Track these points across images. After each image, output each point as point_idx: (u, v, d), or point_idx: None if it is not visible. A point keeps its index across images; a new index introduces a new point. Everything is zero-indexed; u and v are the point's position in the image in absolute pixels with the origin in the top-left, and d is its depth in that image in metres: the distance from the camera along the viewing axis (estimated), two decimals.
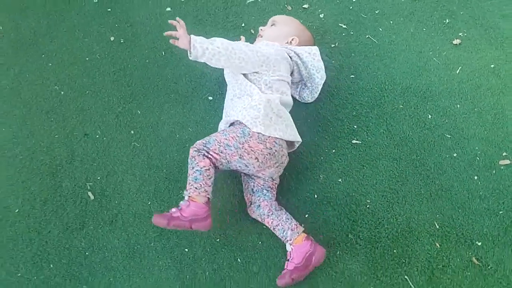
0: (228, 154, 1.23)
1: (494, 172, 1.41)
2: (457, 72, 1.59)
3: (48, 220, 1.31)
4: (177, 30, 1.26)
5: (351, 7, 1.73)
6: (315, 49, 1.46)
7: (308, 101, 1.50)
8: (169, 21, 1.28)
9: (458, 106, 1.53)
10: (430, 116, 1.51)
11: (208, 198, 1.21)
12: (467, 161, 1.43)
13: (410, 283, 1.25)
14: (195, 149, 1.24)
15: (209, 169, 1.22)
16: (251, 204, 1.31)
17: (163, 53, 1.59)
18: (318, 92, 1.48)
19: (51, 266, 1.25)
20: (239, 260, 1.28)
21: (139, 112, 1.48)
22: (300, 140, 1.33)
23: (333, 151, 1.44)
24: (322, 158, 1.43)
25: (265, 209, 1.28)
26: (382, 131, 1.48)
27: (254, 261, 1.28)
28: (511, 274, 1.26)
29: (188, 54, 1.26)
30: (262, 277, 1.26)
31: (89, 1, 1.70)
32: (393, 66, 1.59)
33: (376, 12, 1.72)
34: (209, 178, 1.22)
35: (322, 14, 1.70)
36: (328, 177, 1.40)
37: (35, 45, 1.60)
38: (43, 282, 1.22)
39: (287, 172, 1.37)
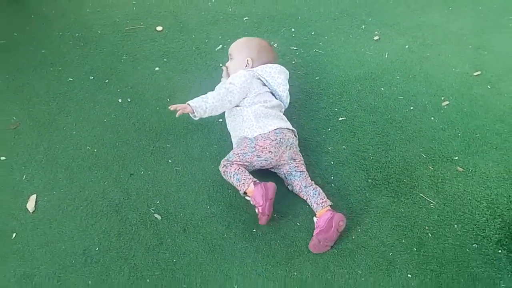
0: (248, 158, 1.54)
1: (442, 111, 1.91)
2: (386, 56, 2.13)
3: (129, 247, 1.45)
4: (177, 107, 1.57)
5: (293, 35, 2.23)
6: (269, 67, 1.74)
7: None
8: (169, 107, 1.59)
9: (398, 77, 2.04)
10: (383, 89, 1.99)
11: (254, 181, 1.48)
12: (421, 109, 1.91)
13: (426, 198, 1.62)
14: (222, 165, 1.55)
15: (240, 168, 1.52)
16: (288, 185, 1.62)
17: (168, 99, 1.90)
18: (287, 102, 1.77)
19: (148, 280, 1.39)
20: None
21: (169, 146, 1.74)
22: (292, 128, 1.65)
23: (328, 129, 1.83)
24: (324, 135, 1.80)
25: (296, 187, 1.59)
26: (356, 107, 1.91)
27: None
28: (485, 173, 1.69)
29: (192, 116, 1.59)
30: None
31: (87, 79, 1.97)
32: (341, 64, 2.09)
33: (312, 33, 2.24)
34: (245, 172, 1.51)
35: (276, 44, 2.17)
36: (335, 147, 1.76)
37: (53, 123, 1.80)
38: None
39: (304, 153, 1.71)
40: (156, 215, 1.53)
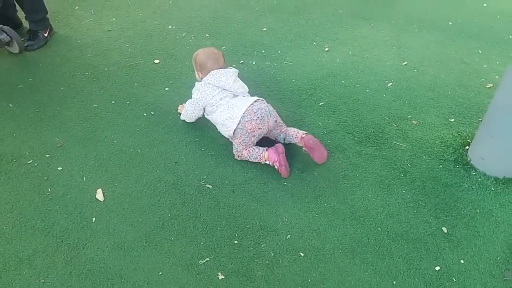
0: (248, 141, 1.97)
1: (389, 90, 2.56)
2: (338, 60, 2.79)
3: (195, 210, 1.80)
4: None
5: (265, 55, 2.81)
6: (211, 75, 2.05)
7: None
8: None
9: (351, 73, 2.68)
10: (343, 81, 2.61)
11: (266, 149, 1.96)
12: (374, 90, 2.54)
13: (398, 143, 2.19)
14: (236, 156, 2.01)
15: (249, 149, 1.98)
16: (284, 141, 2.08)
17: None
18: (244, 91, 2.10)
19: (218, 228, 1.74)
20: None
21: (198, 139, 2.14)
22: (259, 98, 2.03)
23: (314, 111, 2.37)
24: (313, 115, 2.33)
25: (288, 138, 2.07)
26: (328, 95, 2.49)
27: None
28: (432, 122, 2.32)
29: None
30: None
31: (109, 103, 2.33)
32: (307, 69, 2.68)
33: (278, 51, 2.84)
34: (255, 149, 1.99)
35: (254, 62, 2.73)
36: (323, 122, 2.30)
37: (93, 137, 2.11)
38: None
39: (303, 129, 2.22)
40: (207, 185, 1.91)
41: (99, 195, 1.83)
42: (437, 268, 1.62)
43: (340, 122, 2.27)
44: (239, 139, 1.97)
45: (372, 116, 2.31)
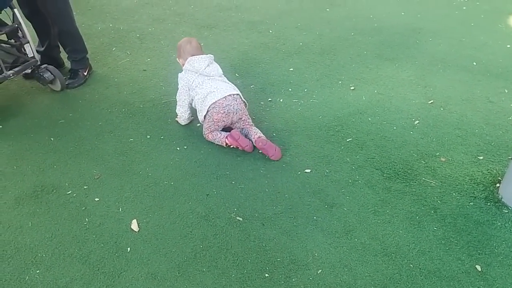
0: (213, 128, 2.33)
1: (416, 127, 2.59)
2: (363, 98, 2.85)
3: (226, 242, 1.83)
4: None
5: (292, 93, 2.91)
6: (187, 61, 2.40)
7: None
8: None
9: (377, 110, 2.74)
10: (370, 119, 2.66)
11: (225, 136, 2.31)
12: (401, 128, 2.58)
13: (428, 180, 2.20)
14: (205, 136, 2.36)
15: (213, 134, 2.34)
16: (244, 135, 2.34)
17: (215, 144, 2.40)
18: (219, 72, 2.48)
19: (249, 260, 1.76)
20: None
21: (228, 172, 2.20)
22: (237, 92, 2.36)
23: (342, 147, 2.41)
24: (340, 151, 2.37)
25: (244, 131, 2.35)
26: (355, 132, 2.53)
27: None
28: (461, 160, 2.33)
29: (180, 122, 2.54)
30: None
31: (144, 138, 2.43)
32: (334, 107, 2.75)
33: (305, 90, 2.93)
34: (218, 133, 2.34)
35: (282, 99, 2.82)
36: (351, 157, 2.33)
37: (129, 170, 2.20)
38: None
39: (330, 164, 2.26)
40: (238, 218, 1.95)
41: (134, 226, 1.89)
42: None
43: (368, 158, 2.30)
44: (207, 124, 2.33)
45: (400, 153, 2.34)
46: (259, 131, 2.36)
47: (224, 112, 2.29)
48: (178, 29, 3.90)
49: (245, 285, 1.66)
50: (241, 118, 2.36)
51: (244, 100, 2.41)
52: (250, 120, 2.42)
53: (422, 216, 1.96)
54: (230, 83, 2.48)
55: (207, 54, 2.49)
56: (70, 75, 2.98)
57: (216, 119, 2.30)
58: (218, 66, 2.49)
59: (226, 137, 2.30)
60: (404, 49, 3.49)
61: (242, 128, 2.38)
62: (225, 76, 2.56)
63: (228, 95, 2.30)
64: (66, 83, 2.91)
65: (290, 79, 3.06)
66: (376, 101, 2.80)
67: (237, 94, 2.36)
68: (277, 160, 2.26)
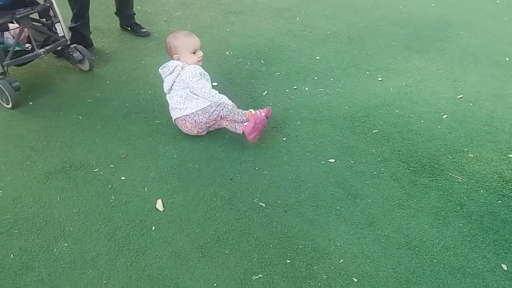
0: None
1: (444, 122, 2.54)
2: (391, 90, 2.80)
3: (248, 226, 1.84)
4: None
5: (318, 81, 2.88)
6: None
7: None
8: None
9: (404, 103, 2.69)
10: (397, 111, 2.62)
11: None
12: (429, 121, 2.53)
13: (454, 176, 2.16)
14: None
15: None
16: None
17: None
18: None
19: (271, 246, 1.77)
20: None
21: (252, 158, 2.20)
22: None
23: (368, 139, 2.38)
24: (366, 142, 2.34)
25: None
26: (382, 123, 2.49)
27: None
28: (489, 157, 2.27)
29: None
30: None
31: (171, 121, 2.45)
32: (360, 97, 2.71)
33: (331, 79, 2.90)
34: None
35: (307, 88, 2.80)
36: (376, 149, 2.30)
37: (155, 151, 2.23)
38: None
39: (356, 155, 2.24)
40: (260, 203, 1.95)
41: (159, 205, 1.91)
42: None
43: (394, 151, 2.27)
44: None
45: (427, 147, 2.30)
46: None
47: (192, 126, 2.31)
48: (204, 14, 3.89)
49: (266, 270, 1.67)
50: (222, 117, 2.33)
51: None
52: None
53: (447, 211, 1.93)
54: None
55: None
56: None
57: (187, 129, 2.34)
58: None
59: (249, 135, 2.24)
60: (434, 41, 3.41)
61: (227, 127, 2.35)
62: (250, 63, 2.53)
63: (198, 110, 2.27)
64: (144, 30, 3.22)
65: (316, 67, 3.03)
66: (404, 93, 2.75)
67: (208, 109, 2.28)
68: (251, 139, 2.24)
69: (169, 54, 2.37)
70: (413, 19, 3.78)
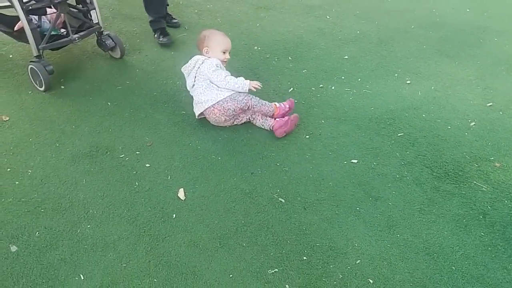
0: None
1: (471, 129, 2.49)
2: (419, 94, 2.76)
3: (266, 221, 1.86)
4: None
5: (344, 81, 2.86)
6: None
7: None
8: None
9: (432, 107, 2.65)
10: (424, 115, 2.58)
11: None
12: (456, 128, 2.48)
13: (479, 184, 2.12)
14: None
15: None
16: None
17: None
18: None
19: (288, 242, 1.78)
20: None
21: (274, 154, 2.22)
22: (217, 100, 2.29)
23: (392, 141, 2.35)
24: (390, 145, 2.32)
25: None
26: (408, 127, 2.46)
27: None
28: None
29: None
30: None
31: None
32: (387, 99, 2.68)
33: (359, 79, 2.88)
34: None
35: (333, 87, 2.79)
36: (401, 153, 2.28)
37: (180, 141, 2.26)
38: None
39: (378, 157, 2.22)
40: (280, 199, 1.97)
41: (181, 194, 1.95)
42: None
43: (418, 155, 2.24)
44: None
45: (452, 154, 2.26)
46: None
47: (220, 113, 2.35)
48: (235, 8, 3.91)
49: (283, 265, 1.68)
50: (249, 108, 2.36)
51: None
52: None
53: (469, 220, 1.90)
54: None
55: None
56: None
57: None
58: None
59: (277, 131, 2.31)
60: (466, 47, 3.34)
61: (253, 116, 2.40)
62: (277, 59, 2.54)
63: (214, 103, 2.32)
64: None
65: (344, 67, 3.02)
66: (432, 98, 2.71)
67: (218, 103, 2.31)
68: (280, 135, 2.30)
69: (199, 45, 2.42)
70: (446, 24, 3.70)
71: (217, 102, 2.27)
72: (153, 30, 3.24)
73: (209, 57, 2.37)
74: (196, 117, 2.38)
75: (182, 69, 2.40)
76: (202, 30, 2.48)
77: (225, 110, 2.27)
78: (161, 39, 3.16)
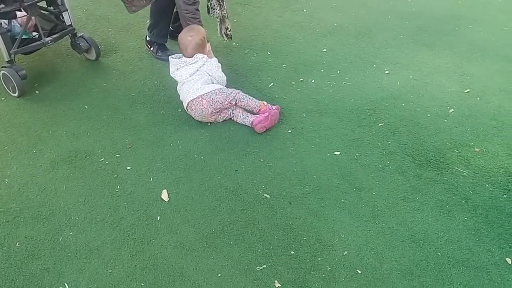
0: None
1: (450, 116, 2.52)
2: (398, 83, 2.79)
3: (252, 218, 1.84)
4: None
5: (324, 74, 2.86)
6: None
7: None
8: None
9: (411, 96, 2.67)
10: (403, 104, 2.60)
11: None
12: (435, 115, 2.51)
13: (460, 170, 2.15)
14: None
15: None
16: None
17: None
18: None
19: (275, 237, 1.77)
20: None
21: (257, 150, 2.20)
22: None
23: (373, 132, 2.37)
24: (371, 136, 2.33)
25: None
26: (388, 117, 2.48)
27: None
28: (495, 151, 2.25)
29: None
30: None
31: (175, 111, 2.45)
32: (367, 90, 2.70)
33: (338, 72, 2.89)
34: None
35: (313, 80, 2.79)
36: (382, 142, 2.30)
37: (160, 142, 2.23)
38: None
39: (360, 148, 2.23)
40: (265, 195, 1.96)
41: (164, 196, 1.92)
42: None
43: (400, 144, 2.26)
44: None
45: (433, 141, 2.29)
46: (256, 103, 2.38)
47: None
48: None
49: (270, 260, 1.68)
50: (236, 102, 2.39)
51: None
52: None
53: (452, 205, 1.92)
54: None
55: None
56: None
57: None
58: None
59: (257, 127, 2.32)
60: (442, 35, 3.38)
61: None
62: (256, 55, 2.54)
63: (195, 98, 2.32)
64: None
65: (323, 60, 3.02)
66: (410, 87, 2.73)
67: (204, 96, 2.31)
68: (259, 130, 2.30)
69: (200, 47, 2.39)
70: (422, 13, 3.74)
71: (206, 93, 2.26)
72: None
73: (211, 57, 2.48)
74: (185, 107, 2.36)
75: (174, 59, 2.38)
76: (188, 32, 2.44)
77: (213, 102, 2.26)
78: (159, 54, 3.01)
